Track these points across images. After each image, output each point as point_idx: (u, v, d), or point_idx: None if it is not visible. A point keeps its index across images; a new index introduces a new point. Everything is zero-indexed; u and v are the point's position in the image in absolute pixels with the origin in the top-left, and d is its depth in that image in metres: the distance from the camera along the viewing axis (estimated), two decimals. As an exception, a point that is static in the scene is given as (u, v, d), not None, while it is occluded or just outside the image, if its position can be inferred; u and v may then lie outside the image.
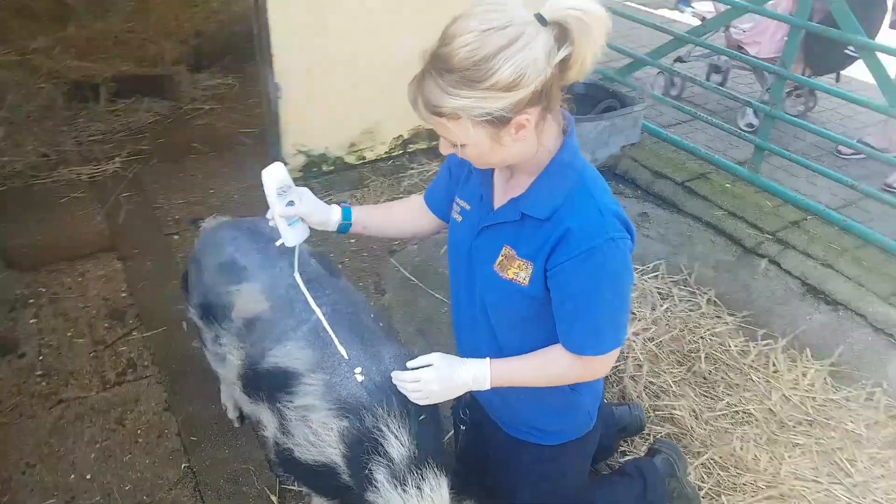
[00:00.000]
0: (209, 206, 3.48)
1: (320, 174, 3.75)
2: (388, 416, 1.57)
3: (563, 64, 1.26)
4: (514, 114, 1.27)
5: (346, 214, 1.69)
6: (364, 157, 3.85)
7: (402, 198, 3.58)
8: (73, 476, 2.16)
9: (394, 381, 1.57)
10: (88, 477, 2.16)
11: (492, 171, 1.53)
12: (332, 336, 1.66)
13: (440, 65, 1.25)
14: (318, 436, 1.62)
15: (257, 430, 2.33)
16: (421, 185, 3.69)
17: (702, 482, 2.24)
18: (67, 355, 2.58)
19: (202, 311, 1.97)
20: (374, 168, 3.84)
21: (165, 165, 3.79)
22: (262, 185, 1.59)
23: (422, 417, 1.61)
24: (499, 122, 1.28)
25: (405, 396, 1.58)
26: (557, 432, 1.72)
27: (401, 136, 3.89)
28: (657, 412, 2.48)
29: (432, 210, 1.78)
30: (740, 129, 3.78)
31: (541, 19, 1.23)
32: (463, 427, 1.90)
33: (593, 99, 3.74)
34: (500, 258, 1.48)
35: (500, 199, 1.51)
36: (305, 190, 1.64)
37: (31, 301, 2.81)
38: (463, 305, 1.67)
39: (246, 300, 1.82)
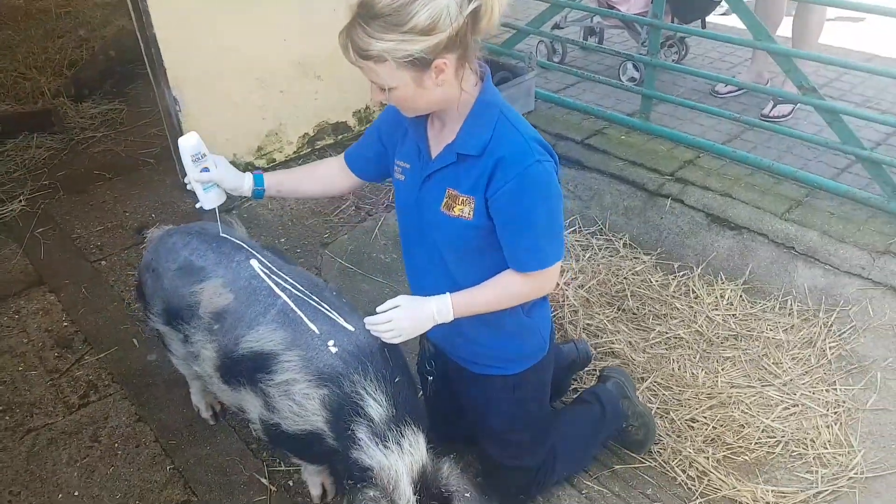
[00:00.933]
0: (127, 228, 3.54)
1: (235, 182, 3.86)
2: (366, 380, 1.73)
3: (475, 15, 1.50)
4: (433, 56, 1.49)
5: (258, 180, 1.94)
6: (274, 159, 3.99)
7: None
8: (60, 495, 2.24)
9: (367, 326, 1.77)
10: (77, 494, 2.24)
11: (425, 126, 1.76)
12: (299, 313, 1.82)
13: (365, 13, 1.48)
14: (302, 406, 1.77)
15: (233, 424, 2.47)
16: (339, 178, 3.87)
17: (650, 403, 2.53)
18: (24, 388, 2.62)
19: (166, 316, 2.07)
20: (286, 168, 3.98)
21: (72, 197, 3.79)
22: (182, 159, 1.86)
23: (397, 380, 1.78)
24: (420, 63, 1.50)
25: (380, 361, 1.76)
26: (517, 359, 1.97)
27: (306, 133, 4.05)
28: (598, 349, 2.78)
29: (352, 168, 2.01)
30: (624, 84, 4.18)
31: None
32: (430, 378, 2.12)
33: (486, 74, 4.03)
34: (444, 199, 1.72)
35: (435, 149, 1.74)
36: (221, 158, 1.88)
37: (-29, 344, 2.81)
38: (417, 255, 1.90)
39: (210, 296, 1.94)
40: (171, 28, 3.34)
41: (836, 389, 2.55)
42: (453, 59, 1.54)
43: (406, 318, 1.74)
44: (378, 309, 1.76)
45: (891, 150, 3.46)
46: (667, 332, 2.87)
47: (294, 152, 4.04)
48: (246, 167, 3.88)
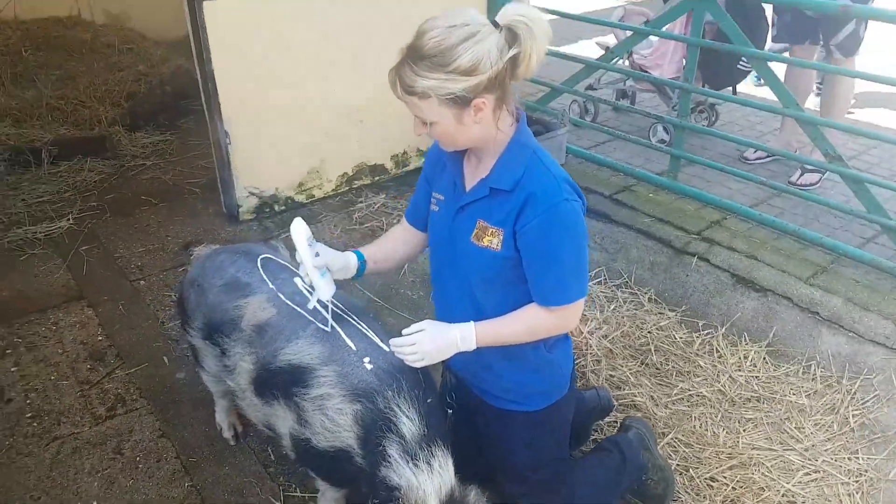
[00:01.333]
0: (168, 251, 3.57)
1: (273, 214, 3.90)
2: (399, 397, 1.72)
3: (514, 61, 1.58)
4: (473, 95, 1.56)
5: (360, 256, 1.92)
6: (313, 195, 4.04)
7: (357, 229, 3.80)
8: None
9: (392, 348, 1.76)
10: (95, 503, 2.21)
11: (462, 161, 1.81)
12: (339, 330, 1.83)
13: (413, 53, 1.57)
14: (334, 421, 1.75)
15: (252, 446, 2.43)
16: (371, 216, 3.89)
17: (670, 459, 2.45)
18: (55, 397, 2.61)
19: (206, 331, 2.08)
20: (323, 205, 4.02)
21: (119, 219, 3.85)
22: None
23: (429, 401, 1.77)
24: (461, 101, 1.57)
25: (413, 381, 1.75)
26: (538, 395, 1.94)
27: (345, 173, 4.10)
28: (620, 401, 2.71)
29: (417, 227, 2.04)
30: (654, 144, 4.18)
31: (494, 23, 1.56)
32: (450, 411, 2.09)
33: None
34: (475, 230, 1.76)
35: (470, 183, 1.80)
36: (320, 244, 1.85)
37: (9, 351, 2.82)
38: (447, 285, 1.91)
39: (254, 309, 1.97)
40: (228, 65, 3.43)
41: (858, 458, 2.45)
42: (492, 99, 1.61)
43: (430, 341, 1.73)
44: (404, 332, 1.76)
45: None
46: (689, 390, 2.80)
47: (332, 190, 4.08)
48: (286, 200, 3.93)
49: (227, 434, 2.45)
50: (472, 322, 1.76)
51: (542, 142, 3.92)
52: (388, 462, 1.69)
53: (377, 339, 1.83)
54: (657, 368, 2.91)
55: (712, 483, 2.38)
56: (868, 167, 4.08)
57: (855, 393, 2.68)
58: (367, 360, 1.78)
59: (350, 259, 1.90)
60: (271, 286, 2.00)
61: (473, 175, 1.80)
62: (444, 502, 1.63)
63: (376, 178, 4.21)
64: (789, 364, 2.87)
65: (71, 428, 2.49)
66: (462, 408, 2.09)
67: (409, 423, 1.70)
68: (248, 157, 3.71)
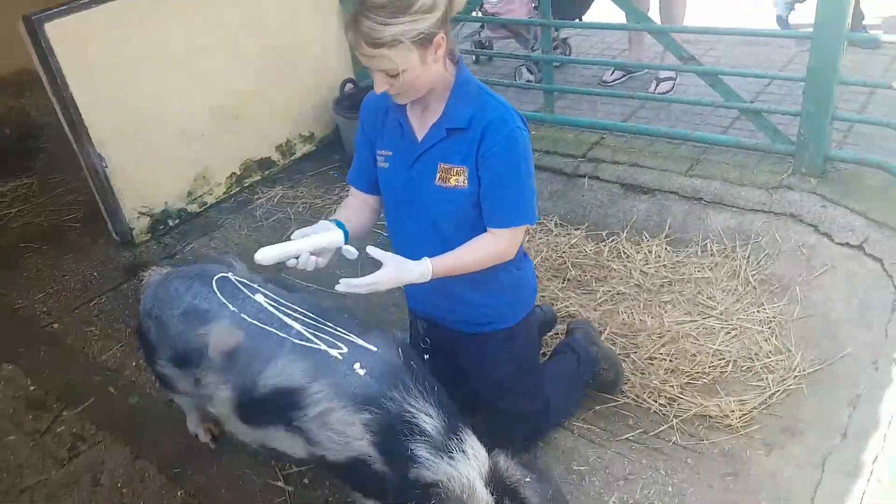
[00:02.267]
0: (71, 289, 3.50)
1: (168, 230, 3.88)
2: (410, 396, 1.71)
3: None
4: (436, 30, 1.67)
5: (339, 224, 1.90)
6: (206, 202, 4.04)
7: (264, 224, 3.85)
8: (73, 544, 2.22)
9: (343, 288, 1.73)
10: (90, 538, 2.23)
11: (405, 112, 1.92)
12: (316, 342, 1.79)
13: (370, 5, 1.63)
14: (343, 434, 1.74)
15: (234, 441, 2.47)
16: (273, 210, 3.95)
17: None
18: (6, 454, 2.55)
19: (175, 360, 2.04)
20: (219, 210, 4.03)
21: (3, 272, 3.68)
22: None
23: (435, 388, 1.78)
24: (426, 40, 1.67)
25: (413, 375, 1.75)
26: (512, 312, 2.15)
27: (233, 173, 4.13)
28: (556, 314, 3.01)
29: (370, 192, 2.08)
30: (526, 84, 4.50)
31: None
32: (426, 356, 2.26)
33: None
34: (438, 174, 1.88)
35: (420, 131, 1.92)
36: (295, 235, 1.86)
37: (-62, 425, 2.71)
38: (408, 235, 2.02)
39: (219, 336, 1.90)
40: (86, 86, 3.37)
41: (765, 309, 2.87)
42: (443, 34, 1.71)
43: (387, 282, 1.77)
44: (284, 251, 1.79)
45: (765, 101, 3.92)
46: (610, 290, 3.13)
47: (224, 192, 4.10)
48: (179, 213, 3.91)
49: (204, 438, 2.49)
50: (426, 259, 1.84)
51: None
52: (418, 463, 1.68)
53: (360, 341, 1.81)
54: (578, 281, 3.23)
55: (651, 361, 2.72)
56: (715, 62, 4.59)
57: (749, 256, 3.11)
58: (357, 365, 1.76)
59: (331, 228, 1.87)
60: (232, 308, 1.92)
61: (422, 123, 1.90)
62: (488, 480, 1.68)
63: (266, 172, 4.27)
64: (688, 247, 3.27)
65: (37, 476, 2.46)
66: (437, 348, 2.24)
67: (429, 420, 1.71)
68: (130, 177, 3.67)
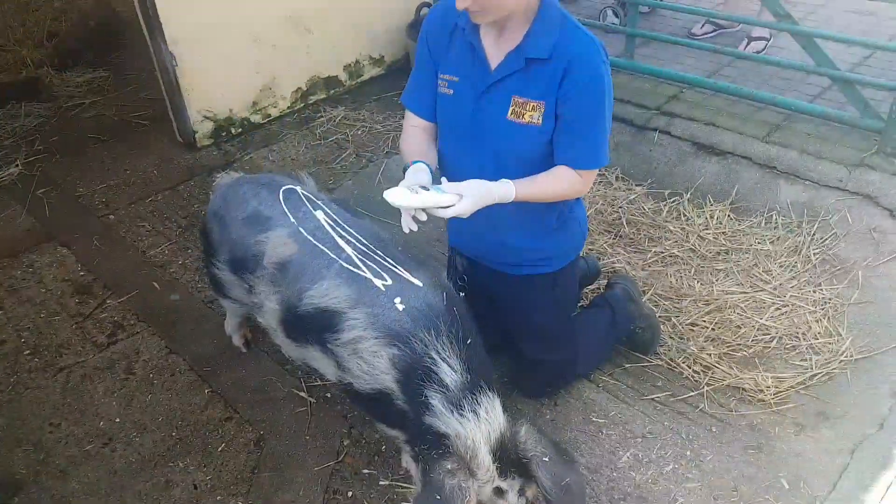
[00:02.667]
0: (131, 184, 3.63)
1: (231, 137, 3.96)
2: (438, 342, 1.70)
3: None
4: None
5: (427, 165, 1.84)
6: (269, 115, 4.09)
7: (322, 143, 3.88)
8: (101, 423, 2.35)
9: (437, 214, 1.70)
10: (118, 420, 2.36)
11: (478, 35, 1.79)
12: (364, 269, 1.80)
13: None
14: (371, 364, 1.75)
15: (265, 349, 2.58)
16: (333, 129, 3.98)
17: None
18: (49, 332, 2.72)
19: (232, 265, 2.07)
20: (282, 123, 4.08)
21: (70, 159, 3.85)
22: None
23: (469, 341, 1.76)
24: None
25: (450, 321, 1.73)
26: (558, 256, 2.10)
27: (300, 88, 4.16)
28: (603, 270, 2.96)
29: (432, 120, 1.99)
30: (608, 25, 4.33)
31: None
32: (462, 294, 2.24)
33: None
34: (511, 108, 1.77)
35: (495, 58, 1.79)
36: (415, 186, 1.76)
37: (-12, 298, 2.90)
38: (468, 167, 1.88)
39: (275, 246, 1.93)
40: (165, -17, 3.41)
41: (822, 289, 2.76)
42: None
43: (471, 205, 1.71)
44: (425, 199, 1.69)
45: (863, 73, 3.67)
46: (662, 252, 3.06)
47: (288, 107, 4.14)
48: (242, 122, 3.98)
49: (238, 342, 2.57)
50: (507, 181, 1.77)
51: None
52: (432, 411, 1.69)
53: (408, 275, 1.81)
54: (631, 238, 3.16)
55: (693, 327, 2.67)
56: (815, 27, 4.32)
57: (814, 234, 2.98)
58: (398, 300, 1.76)
59: (423, 171, 1.81)
60: (292, 220, 1.95)
61: (497, 48, 1.77)
62: (495, 448, 1.66)
63: (332, 92, 4.28)
64: (752, 217, 3.15)
65: (74, 357, 2.60)
66: (475, 286, 2.20)
67: (450, 372, 1.69)
68: (198, 80, 3.73)
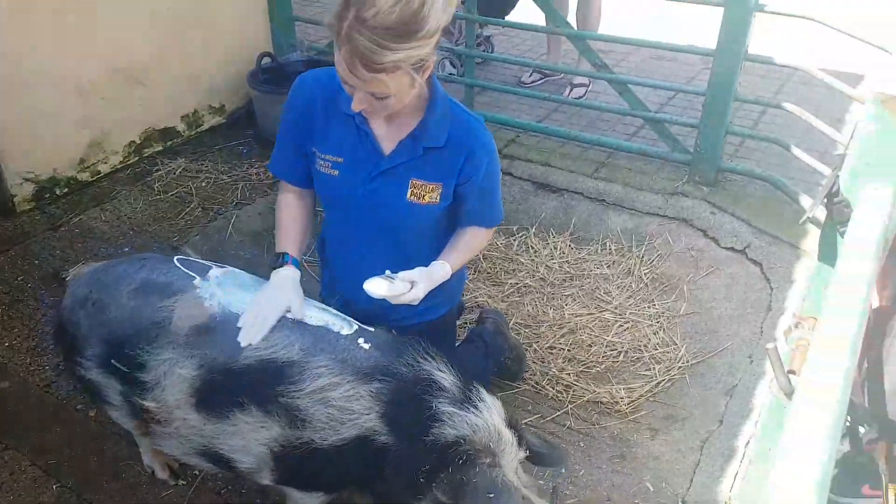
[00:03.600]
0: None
1: (55, 198, 3.70)
2: (421, 360, 1.73)
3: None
4: (433, 52, 1.58)
5: (295, 263, 1.89)
6: (99, 171, 3.89)
7: (162, 198, 3.77)
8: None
9: (393, 302, 1.77)
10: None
11: (366, 121, 1.81)
12: (322, 318, 1.79)
13: (373, 24, 1.46)
14: (346, 410, 1.69)
15: (115, 430, 2.34)
16: (174, 182, 3.87)
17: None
18: None
19: (105, 355, 1.84)
20: (114, 180, 3.88)
21: None
22: None
23: (436, 351, 1.80)
24: (422, 64, 1.57)
25: (419, 341, 1.78)
26: (445, 301, 2.18)
27: (133, 142, 4.00)
28: (465, 304, 3.14)
29: (305, 187, 1.99)
30: (448, 77, 4.62)
31: None
32: None
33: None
34: (410, 190, 1.84)
35: (388, 144, 1.83)
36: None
37: None
38: (358, 244, 1.98)
39: (187, 308, 1.78)
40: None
41: (655, 305, 3.13)
42: (433, 54, 1.60)
43: (423, 291, 1.81)
44: (397, 288, 1.78)
45: (669, 113, 4.21)
46: (517, 283, 3.31)
47: (121, 162, 3.97)
48: (68, 181, 3.75)
49: (163, 474, 2.29)
50: (443, 261, 1.89)
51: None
52: (441, 420, 1.67)
53: (350, 318, 1.83)
54: (488, 272, 3.40)
55: (552, 350, 2.92)
56: (627, 72, 4.89)
57: (643, 256, 3.38)
58: (360, 340, 1.76)
59: (293, 272, 1.86)
60: (200, 280, 1.83)
61: (389, 135, 1.81)
62: (509, 424, 1.73)
63: (169, 143, 4.17)
64: (590, 245, 3.51)
65: None
66: None
67: (444, 375, 1.72)
68: (16, 139, 3.48)
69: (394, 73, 1.54)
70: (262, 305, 1.76)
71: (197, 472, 2.33)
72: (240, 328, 1.74)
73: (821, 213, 1.66)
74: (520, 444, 1.73)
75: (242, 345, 1.71)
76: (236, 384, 1.72)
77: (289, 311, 1.77)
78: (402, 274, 1.80)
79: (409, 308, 1.87)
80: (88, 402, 2.52)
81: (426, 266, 1.86)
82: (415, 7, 1.47)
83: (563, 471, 2.35)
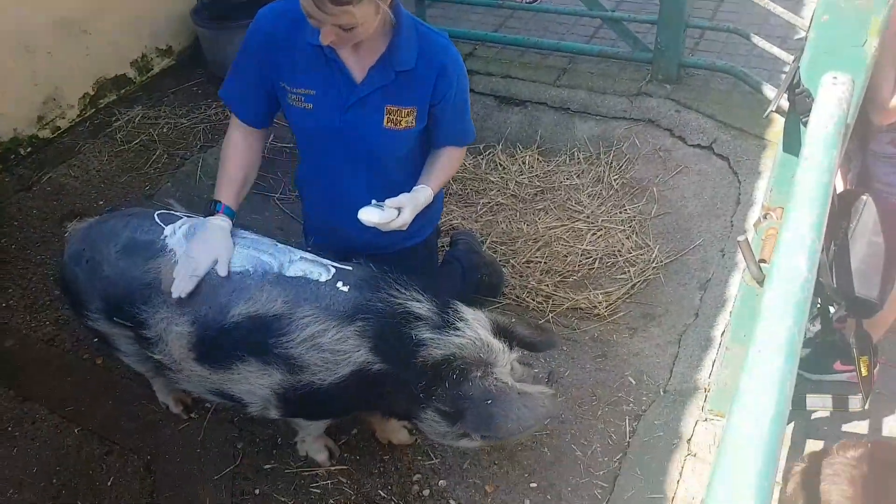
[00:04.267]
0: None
1: (22, 158, 3.63)
2: (392, 291, 1.75)
3: None
4: None
5: (228, 211, 1.87)
6: (59, 127, 3.79)
7: (126, 149, 3.69)
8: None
9: (384, 229, 1.79)
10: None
11: (333, 51, 1.78)
12: (299, 267, 1.79)
13: None
14: (338, 351, 1.73)
15: (128, 375, 2.46)
16: (135, 132, 3.77)
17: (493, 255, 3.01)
18: None
19: (108, 310, 1.89)
20: (75, 134, 3.79)
21: None
22: None
23: (412, 280, 1.82)
24: None
25: (390, 275, 1.80)
26: (427, 224, 2.20)
27: (87, 94, 3.89)
28: (441, 228, 3.16)
29: (258, 127, 1.97)
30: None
31: None
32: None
33: (263, 2, 4.10)
34: (386, 116, 1.84)
35: (358, 72, 1.81)
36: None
37: None
38: (339, 174, 1.98)
39: (171, 270, 1.78)
40: None
41: (626, 210, 3.18)
42: None
43: (410, 214, 1.82)
44: (387, 215, 1.78)
45: (626, 11, 4.13)
46: (489, 202, 3.33)
47: (78, 115, 3.86)
48: (30, 140, 3.66)
49: (177, 409, 2.36)
50: (424, 185, 1.90)
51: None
52: (425, 345, 1.71)
53: (327, 261, 1.83)
54: (459, 194, 3.40)
55: (528, 264, 2.97)
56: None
57: (611, 162, 3.39)
58: (339, 283, 1.77)
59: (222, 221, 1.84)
60: (167, 237, 1.84)
61: (359, 62, 1.80)
62: (496, 333, 1.76)
63: (123, 91, 4.04)
64: (558, 157, 3.51)
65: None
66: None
67: (419, 304, 1.75)
68: (-32, 102, 3.39)
69: (360, 5, 1.56)
70: (192, 257, 1.77)
71: (208, 405, 2.41)
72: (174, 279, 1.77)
73: (784, 104, 1.68)
74: (511, 346, 1.78)
75: (174, 296, 1.74)
76: (230, 340, 1.76)
77: (216, 263, 1.77)
78: (389, 201, 1.80)
79: (396, 234, 1.89)
80: (93, 351, 2.59)
81: (406, 190, 1.88)
82: None
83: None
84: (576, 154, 3.49)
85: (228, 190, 1.91)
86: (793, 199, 1.30)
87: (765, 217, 1.84)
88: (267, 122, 1.99)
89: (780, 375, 0.97)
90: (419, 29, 1.82)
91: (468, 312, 1.80)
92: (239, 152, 1.96)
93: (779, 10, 3.09)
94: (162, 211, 1.94)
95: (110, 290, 1.86)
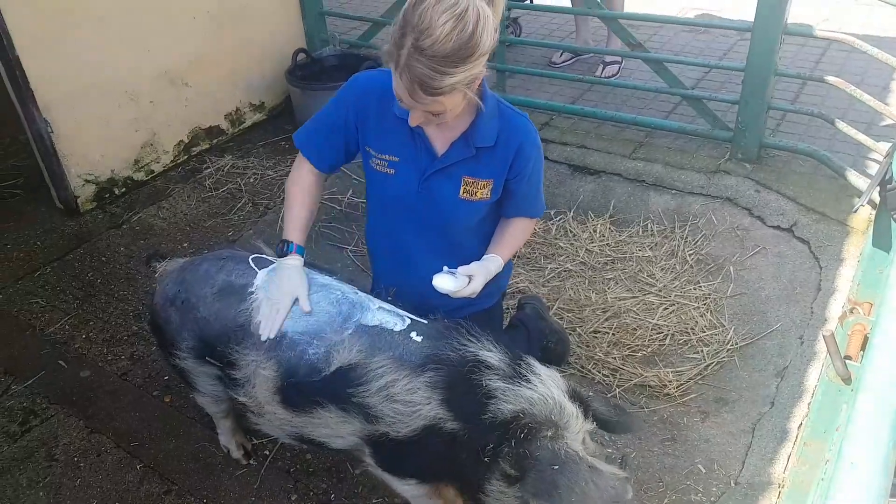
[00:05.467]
0: (13, 259, 3.37)
1: (115, 198, 3.77)
2: (466, 342, 1.71)
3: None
4: (483, 71, 1.63)
5: (300, 250, 1.90)
6: (153, 171, 3.94)
7: (214, 195, 3.79)
8: (30, 517, 2.19)
9: (455, 296, 1.80)
10: (47, 511, 2.21)
11: (419, 125, 1.80)
12: (378, 318, 1.79)
13: (431, 53, 1.51)
14: (408, 402, 1.69)
15: (192, 416, 2.49)
16: (223, 179, 3.88)
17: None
18: (-46, 427, 2.49)
19: (199, 349, 1.93)
20: (166, 178, 3.94)
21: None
22: None
23: (485, 333, 1.77)
24: (476, 80, 1.63)
25: (464, 328, 1.76)
26: (494, 291, 2.18)
27: (181, 141, 4.04)
28: (507, 291, 3.09)
29: (326, 170, 2.01)
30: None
31: None
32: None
33: (351, 68, 4.20)
34: (462, 187, 1.87)
35: (441, 145, 1.86)
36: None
37: None
38: (409, 239, 2.00)
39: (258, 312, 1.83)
40: (33, 49, 3.24)
41: (701, 286, 3.03)
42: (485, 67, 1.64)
43: (481, 284, 1.84)
44: (460, 283, 1.81)
45: (706, 88, 4.06)
46: (557, 268, 3.24)
47: (172, 161, 4.01)
48: (125, 181, 3.81)
49: (238, 454, 2.35)
50: (495, 254, 1.93)
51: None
52: (495, 397, 1.64)
53: (403, 312, 1.83)
54: (528, 258, 3.33)
55: (596, 334, 2.85)
56: (659, 47, 4.72)
57: (686, 237, 3.27)
58: (413, 334, 1.76)
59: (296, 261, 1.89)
60: (253, 285, 1.88)
61: (441, 136, 1.84)
62: (571, 396, 1.67)
63: (215, 141, 4.19)
64: (630, 227, 3.41)
65: (-13, 453, 2.40)
66: None
67: (491, 353, 1.70)
68: (75, 143, 3.55)
69: (450, 95, 1.60)
70: (273, 299, 1.82)
71: (267, 453, 2.39)
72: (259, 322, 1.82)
73: (875, 196, 1.57)
74: (585, 414, 1.67)
75: (262, 338, 1.79)
76: (311, 386, 1.77)
77: (297, 303, 1.81)
78: (461, 269, 1.83)
79: (463, 300, 1.88)
80: (163, 388, 2.61)
81: (473, 256, 1.92)
82: (469, 31, 1.52)
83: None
84: (649, 226, 3.38)
85: (298, 229, 1.95)
86: (886, 303, 1.20)
87: (851, 311, 1.70)
88: (335, 170, 2.06)
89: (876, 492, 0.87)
90: (501, 108, 1.86)
91: (541, 368, 1.72)
92: (307, 194, 2.00)
93: (865, 97, 2.96)
94: (256, 255, 1.99)
95: (205, 329, 1.90)
